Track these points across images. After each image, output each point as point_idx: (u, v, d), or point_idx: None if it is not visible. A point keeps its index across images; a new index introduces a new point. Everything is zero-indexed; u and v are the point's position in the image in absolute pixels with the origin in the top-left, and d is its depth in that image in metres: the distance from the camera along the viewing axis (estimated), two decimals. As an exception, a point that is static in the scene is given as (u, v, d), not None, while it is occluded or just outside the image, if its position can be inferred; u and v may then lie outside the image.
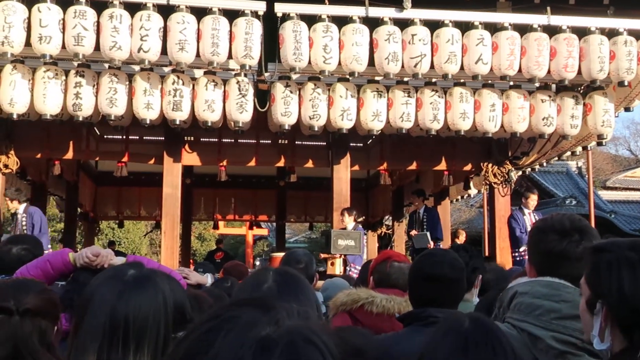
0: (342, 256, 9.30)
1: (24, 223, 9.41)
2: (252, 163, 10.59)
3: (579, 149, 10.22)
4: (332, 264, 9.14)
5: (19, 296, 2.22)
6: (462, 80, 8.39)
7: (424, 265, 2.93)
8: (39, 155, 10.26)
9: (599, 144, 9.35)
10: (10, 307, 2.19)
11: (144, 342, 1.63)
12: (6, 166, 9.28)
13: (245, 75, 8.15)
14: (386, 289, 3.55)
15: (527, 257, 2.45)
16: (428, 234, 11.09)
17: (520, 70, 8.14)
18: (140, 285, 1.69)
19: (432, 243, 10.97)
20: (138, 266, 1.80)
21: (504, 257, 9.93)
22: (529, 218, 10.32)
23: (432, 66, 7.98)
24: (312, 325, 1.00)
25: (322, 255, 9.40)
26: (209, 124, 8.19)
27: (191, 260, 19.35)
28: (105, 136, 10.73)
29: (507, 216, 10.41)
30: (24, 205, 9.43)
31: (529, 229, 9.98)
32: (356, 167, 10.42)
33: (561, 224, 2.31)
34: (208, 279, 4.25)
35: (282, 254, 7.17)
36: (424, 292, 2.86)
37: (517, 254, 10.17)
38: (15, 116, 7.88)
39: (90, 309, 1.66)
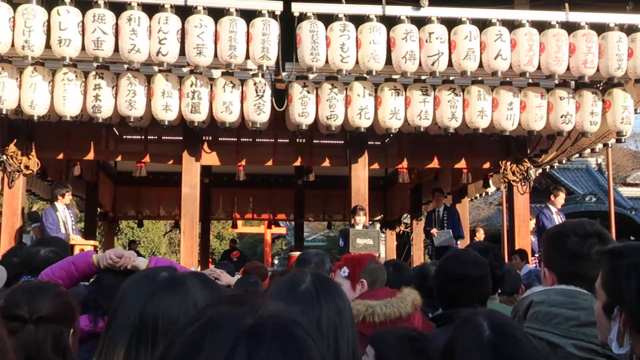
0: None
1: (71, 218, 9.38)
2: (270, 162, 10.62)
3: (598, 146, 10.14)
4: None
5: (33, 302, 2.19)
6: (479, 78, 8.36)
7: (450, 266, 3.02)
8: (59, 156, 10.36)
9: (619, 140, 9.28)
10: (24, 315, 2.16)
11: None
12: (27, 167, 9.39)
13: (263, 75, 8.17)
14: (378, 289, 3.50)
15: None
16: (450, 231, 11.06)
17: (539, 67, 8.10)
18: (171, 288, 1.70)
19: (454, 241, 10.94)
20: (171, 269, 1.81)
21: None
22: (556, 217, 10.19)
23: (450, 64, 7.97)
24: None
25: None
26: (227, 125, 8.24)
27: (210, 259, 19.42)
28: (124, 136, 10.80)
29: (527, 214, 10.34)
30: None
31: None
32: (374, 166, 10.40)
33: (582, 227, 2.37)
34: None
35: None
36: (452, 293, 2.93)
37: None
38: (35, 118, 7.97)
39: (121, 307, 1.68)
